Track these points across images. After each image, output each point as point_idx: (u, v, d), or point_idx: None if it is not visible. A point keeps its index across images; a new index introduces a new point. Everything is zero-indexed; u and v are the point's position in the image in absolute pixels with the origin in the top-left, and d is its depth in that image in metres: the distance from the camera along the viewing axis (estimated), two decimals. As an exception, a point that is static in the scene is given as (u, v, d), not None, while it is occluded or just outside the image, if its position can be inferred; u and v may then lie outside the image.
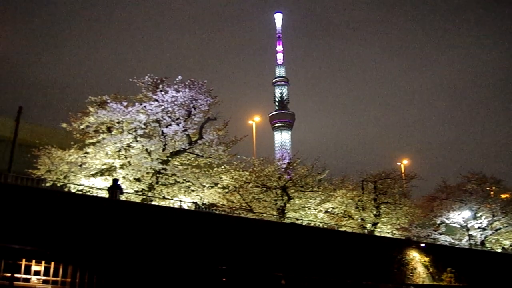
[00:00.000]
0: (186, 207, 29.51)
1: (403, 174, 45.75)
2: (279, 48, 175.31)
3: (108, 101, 29.63)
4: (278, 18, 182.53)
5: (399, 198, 38.86)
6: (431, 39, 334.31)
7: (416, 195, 45.16)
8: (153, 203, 28.31)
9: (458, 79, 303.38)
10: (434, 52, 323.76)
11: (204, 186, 31.80)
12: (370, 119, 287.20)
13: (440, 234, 44.68)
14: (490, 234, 44.49)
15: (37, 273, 22.31)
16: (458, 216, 44.46)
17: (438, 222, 45.09)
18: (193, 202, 30.22)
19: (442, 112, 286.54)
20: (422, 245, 35.27)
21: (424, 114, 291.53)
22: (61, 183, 28.22)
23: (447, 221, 45.00)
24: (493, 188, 46.36)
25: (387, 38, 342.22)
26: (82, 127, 30.27)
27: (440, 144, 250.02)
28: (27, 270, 22.17)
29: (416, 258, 33.70)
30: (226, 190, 33.26)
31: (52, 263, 22.61)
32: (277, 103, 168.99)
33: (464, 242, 43.98)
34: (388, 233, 38.09)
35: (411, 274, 32.85)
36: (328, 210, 37.09)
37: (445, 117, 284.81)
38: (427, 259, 34.05)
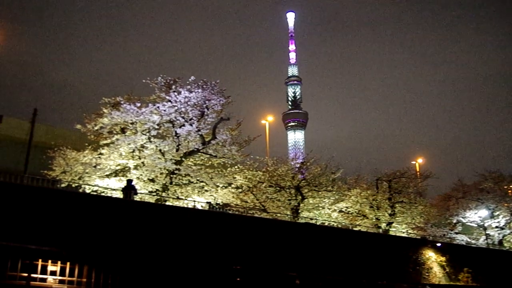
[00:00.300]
0: (200, 207, 29.55)
1: (418, 173, 45.34)
2: (292, 47, 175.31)
3: (122, 102, 29.81)
4: (291, 17, 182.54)
5: (414, 197, 38.52)
6: (445, 36, 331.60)
7: (432, 194, 44.84)
8: (167, 203, 28.39)
9: (473, 76, 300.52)
10: (448, 49, 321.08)
11: (218, 186, 31.84)
12: (384, 118, 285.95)
13: (457, 233, 44.18)
14: (508, 233, 43.86)
15: (53, 273, 22.48)
16: (475, 215, 43.90)
17: (454, 221, 44.55)
18: (207, 202, 30.26)
19: (457, 109, 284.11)
20: (438, 244, 34.91)
21: (438, 112, 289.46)
22: (76, 184, 28.48)
23: (464, 220, 44.47)
24: (511, 186, 45.67)
25: (400, 36, 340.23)
26: (96, 128, 30.52)
27: (455, 142, 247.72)
28: (44, 270, 22.34)
29: (432, 258, 33.37)
30: (240, 190, 33.26)
31: (68, 263, 22.76)
32: (290, 103, 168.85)
33: (481, 241, 43.44)
34: (403, 232, 37.78)
35: (427, 274, 32.53)
36: (342, 210, 36.90)
37: (460, 115, 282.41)
38: (443, 258, 33.69)
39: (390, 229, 37.55)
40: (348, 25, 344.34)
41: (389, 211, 37.62)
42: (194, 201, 29.93)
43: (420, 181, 41.29)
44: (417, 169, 51.99)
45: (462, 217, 44.24)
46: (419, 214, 38.55)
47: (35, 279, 21.99)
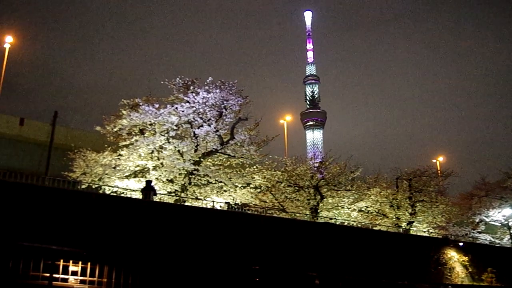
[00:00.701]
0: (218, 208, 29.60)
1: (439, 171, 44.75)
2: (309, 46, 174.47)
3: (140, 103, 30.04)
4: (308, 16, 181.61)
5: (435, 196, 38.00)
6: (466, 31, 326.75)
7: (453, 192, 44.16)
8: (186, 203, 28.49)
9: (496, 72, 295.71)
10: (468, 46, 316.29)
11: (237, 186, 31.85)
12: (403, 116, 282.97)
13: (479, 232, 43.40)
14: (534, 233, 43.00)
15: (74, 273, 22.75)
16: (499, 214, 43.07)
17: (477, 220, 43.78)
18: (226, 203, 30.30)
19: (479, 106, 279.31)
20: (460, 244, 34.39)
21: (460, 109, 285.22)
22: (96, 185, 28.77)
23: (487, 219, 43.67)
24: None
25: (420, 33, 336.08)
26: (115, 129, 30.79)
27: (477, 140, 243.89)
28: (65, 270, 22.64)
29: (454, 258, 32.89)
30: (259, 190, 33.23)
31: (89, 264, 23.02)
32: (308, 102, 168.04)
33: (506, 241, 42.60)
34: (424, 232, 37.33)
35: (449, 274, 32.08)
36: (362, 209, 36.61)
37: (482, 112, 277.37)
38: (465, 258, 33.20)
39: (411, 228, 37.13)
40: (366, 22, 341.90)
41: (410, 210, 37.21)
42: (213, 201, 29.99)
43: (441, 180, 40.77)
44: (438, 168, 51.34)
45: (485, 216, 43.45)
46: (441, 213, 38.04)
47: (57, 279, 22.30)
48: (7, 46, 46.13)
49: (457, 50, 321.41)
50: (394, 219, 37.02)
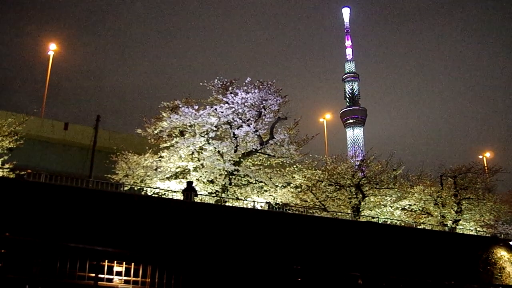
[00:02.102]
0: (259, 208, 29.56)
1: (486, 168, 43.32)
2: (348, 43, 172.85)
3: (180, 105, 30.41)
4: (346, 12, 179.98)
5: (482, 194, 36.76)
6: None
7: (502, 189, 42.68)
8: (227, 204, 28.59)
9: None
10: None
11: (277, 186, 31.79)
12: (447, 111, 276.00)
13: (531, 230, 41.79)
14: None
15: (118, 273, 23.15)
16: (551, 211, 41.36)
17: (529, 218, 42.18)
18: (266, 202, 30.24)
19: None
20: (511, 242, 33.14)
21: (503, 104, 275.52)
22: (138, 187, 29.24)
23: (538, 217, 42.02)
24: None
25: (463, 23, 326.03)
26: (156, 132, 31.30)
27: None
28: (110, 271, 23.08)
29: (505, 257, 31.70)
30: (299, 189, 33.00)
31: (132, 264, 23.39)
32: (348, 99, 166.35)
33: (560, 239, 40.88)
34: (472, 230, 36.18)
35: (499, 274, 30.95)
36: (405, 207, 35.78)
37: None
38: (516, 257, 31.98)
39: (457, 227, 36.03)
40: (407, 12, 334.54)
41: (455, 208, 36.13)
42: (254, 201, 29.96)
43: (488, 176, 39.41)
44: (485, 164, 49.77)
45: (537, 214, 41.79)
46: (489, 211, 36.75)
47: (102, 279, 22.75)
48: (51, 53, 47.69)
49: (504, 39, 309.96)
50: (439, 218, 36.03)
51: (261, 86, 31.13)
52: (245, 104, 30.50)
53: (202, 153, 30.20)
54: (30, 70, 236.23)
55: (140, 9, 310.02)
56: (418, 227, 34.35)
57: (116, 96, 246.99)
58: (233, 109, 30.27)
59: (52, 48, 47.82)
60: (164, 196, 28.13)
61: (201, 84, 31.87)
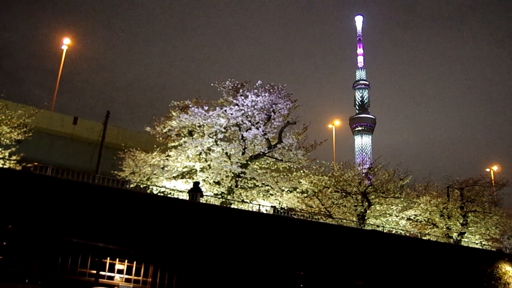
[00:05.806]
0: (264, 211, 29.45)
1: (493, 181, 42.99)
2: (360, 51, 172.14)
3: (190, 105, 30.40)
4: (359, 20, 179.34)
5: (488, 207, 36.54)
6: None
7: (508, 203, 42.28)
8: (232, 206, 28.51)
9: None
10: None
11: (283, 190, 31.68)
12: (456, 122, 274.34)
13: (536, 246, 41.40)
14: None
15: (120, 271, 23.19)
16: (557, 227, 40.96)
17: (534, 233, 41.79)
18: (272, 206, 30.14)
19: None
20: (516, 258, 32.85)
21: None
22: (144, 185, 29.22)
23: (544, 233, 41.61)
24: None
25: (478, 30, 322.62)
26: (164, 130, 31.30)
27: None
28: (111, 268, 23.09)
29: (510, 272, 31.47)
30: (305, 195, 32.91)
31: (134, 262, 23.40)
32: (357, 107, 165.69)
33: None
34: (477, 243, 35.90)
35: (503, 289, 30.72)
36: (411, 218, 35.55)
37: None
38: (521, 273, 31.69)
39: (462, 239, 35.79)
40: (419, 20, 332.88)
41: (461, 221, 35.91)
42: (259, 204, 29.84)
43: (495, 190, 39.15)
44: (492, 177, 49.42)
45: (543, 229, 41.39)
46: (495, 225, 36.50)
47: (103, 276, 22.79)
48: (64, 48, 47.89)
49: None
50: (444, 229, 35.81)
51: (271, 90, 31.10)
52: (255, 107, 30.47)
53: (209, 154, 30.16)
54: (43, 61, 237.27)
55: (155, 6, 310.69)
56: (423, 238, 34.10)
57: (127, 91, 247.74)
58: (243, 111, 30.25)
59: (66, 42, 48.06)
60: (169, 196, 28.09)
61: (212, 85, 31.92)
